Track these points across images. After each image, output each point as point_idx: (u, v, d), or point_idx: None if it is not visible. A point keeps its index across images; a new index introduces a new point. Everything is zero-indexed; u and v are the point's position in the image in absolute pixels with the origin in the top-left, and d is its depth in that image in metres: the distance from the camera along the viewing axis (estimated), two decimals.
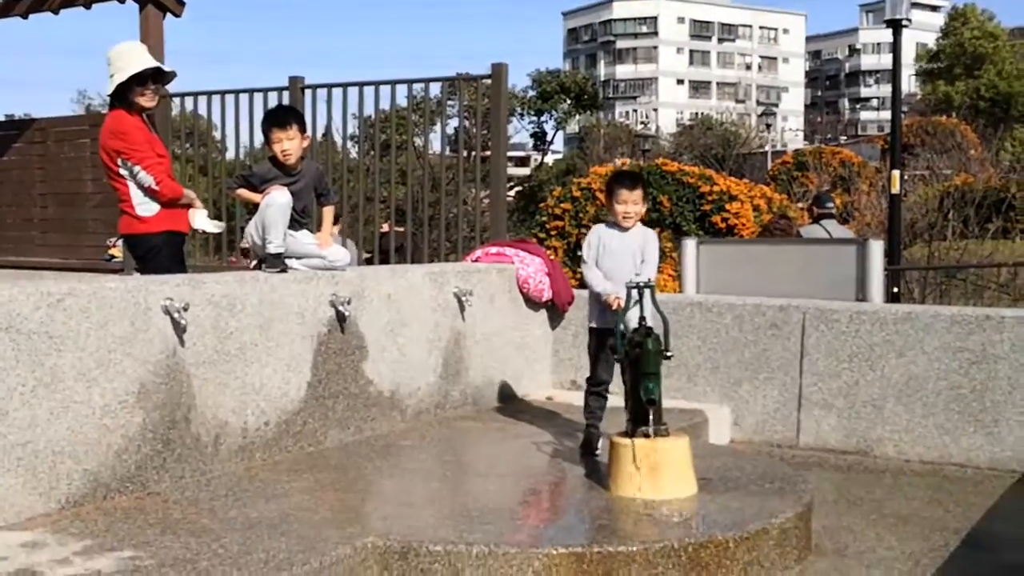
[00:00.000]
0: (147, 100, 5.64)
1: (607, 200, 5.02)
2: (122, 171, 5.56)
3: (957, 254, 15.39)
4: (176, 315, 4.27)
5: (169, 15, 9.03)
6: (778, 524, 3.96)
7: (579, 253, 5.76)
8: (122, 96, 5.55)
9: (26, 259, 10.08)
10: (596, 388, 4.96)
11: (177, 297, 4.30)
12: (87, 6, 9.70)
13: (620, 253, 4.87)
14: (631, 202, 4.88)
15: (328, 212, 5.56)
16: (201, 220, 5.83)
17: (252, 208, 5.28)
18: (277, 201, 5.08)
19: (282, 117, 5.35)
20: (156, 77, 5.68)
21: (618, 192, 4.90)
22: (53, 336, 3.85)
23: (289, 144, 5.20)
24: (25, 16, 10.24)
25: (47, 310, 3.84)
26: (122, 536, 3.64)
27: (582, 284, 9.46)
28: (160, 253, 5.64)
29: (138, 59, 5.58)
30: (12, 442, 3.71)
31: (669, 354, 4.36)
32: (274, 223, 5.07)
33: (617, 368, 4.69)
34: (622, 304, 4.53)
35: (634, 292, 4.44)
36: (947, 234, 16.12)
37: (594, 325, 4.96)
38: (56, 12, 10.02)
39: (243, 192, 5.37)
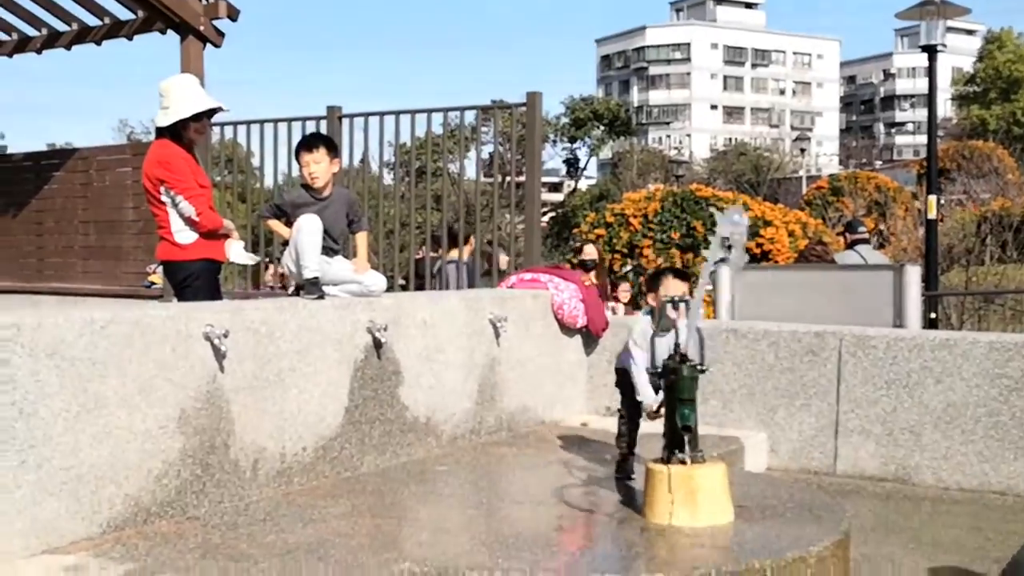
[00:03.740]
0: (200, 135, 5.79)
1: (653, 293, 4.81)
2: (164, 198, 5.66)
3: (995, 279, 15.24)
4: (216, 341, 4.32)
5: (209, 45, 9.17)
6: (816, 552, 3.93)
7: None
8: (173, 128, 5.67)
9: (68, 286, 10.24)
10: (628, 415, 4.96)
11: (217, 324, 4.35)
12: (129, 37, 9.88)
13: (662, 346, 4.77)
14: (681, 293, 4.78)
15: (362, 238, 5.62)
16: (237, 253, 5.92)
17: (286, 239, 5.36)
18: (307, 226, 5.15)
19: (310, 140, 5.45)
20: (209, 112, 5.82)
21: (668, 280, 4.77)
22: (96, 362, 3.92)
23: (316, 167, 5.28)
24: (69, 47, 10.46)
25: (91, 336, 3.90)
26: (163, 561, 3.68)
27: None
28: (198, 280, 5.73)
29: (197, 96, 5.72)
30: (56, 467, 3.77)
31: (704, 367, 4.35)
32: (306, 248, 5.13)
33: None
34: (659, 414, 4.48)
35: (669, 307, 4.42)
36: (985, 259, 15.97)
37: (620, 367, 4.93)
38: (99, 43, 10.22)
39: (273, 224, 5.47)
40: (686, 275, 4.96)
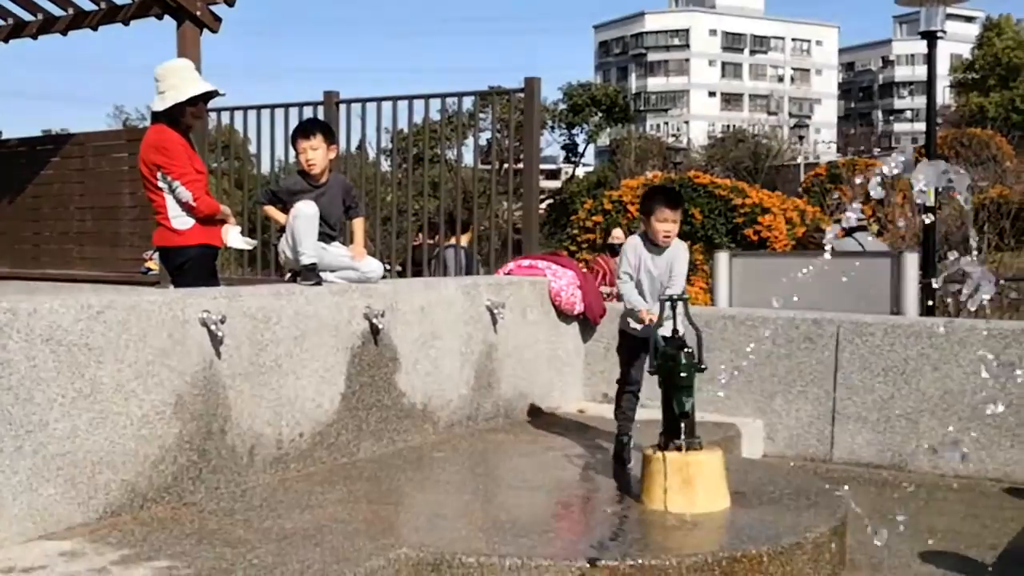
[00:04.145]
0: (196, 119, 5.76)
1: (645, 216, 4.95)
2: (160, 184, 5.64)
3: (993, 267, 15.23)
4: (213, 327, 4.32)
5: (206, 31, 9.13)
6: (812, 538, 3.94)
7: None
8: (170, 112, 5.64)
9: (64, 272, 10.22)
10: (629, 388, 5.00)
11: (214, 310, 4.35)
12: (125, 22, 9.83)
13: (656, 272, 4.87)
14: (672, 220, 4.84)
15: (359, 224, 5.62)
16: (234, 238, 5.90)
17: (283, 225, 5.35)
18: (304, 212, 5.14)
19: (307, 127, 5.44)
20: (206, 96, 5.79)
21: (660, 210, 4.84)
22: (93, 348, 3.91)
23: (313, 154, 5.26)
24: (65, 33, 10.40)
25: (87, 322, 3.90)
26: (159, 546, 3.68)
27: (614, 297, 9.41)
28: (195, 265, 5.71)
29: (193, 80, 5.69)
30: (52, 452, 3.76)
31: (703, 367, 4.36)
32: (303, 234, 5.12)
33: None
34: (655, 319, 4.55)
35: (667, 305, 4.45)
36: (982, 247, 15.96)
37: (626, 329, 4.99)
38: (95, 28, 10.16)
39: (269, 210, 5.47)
40: (679, 200, 4.97)
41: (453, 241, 8.81)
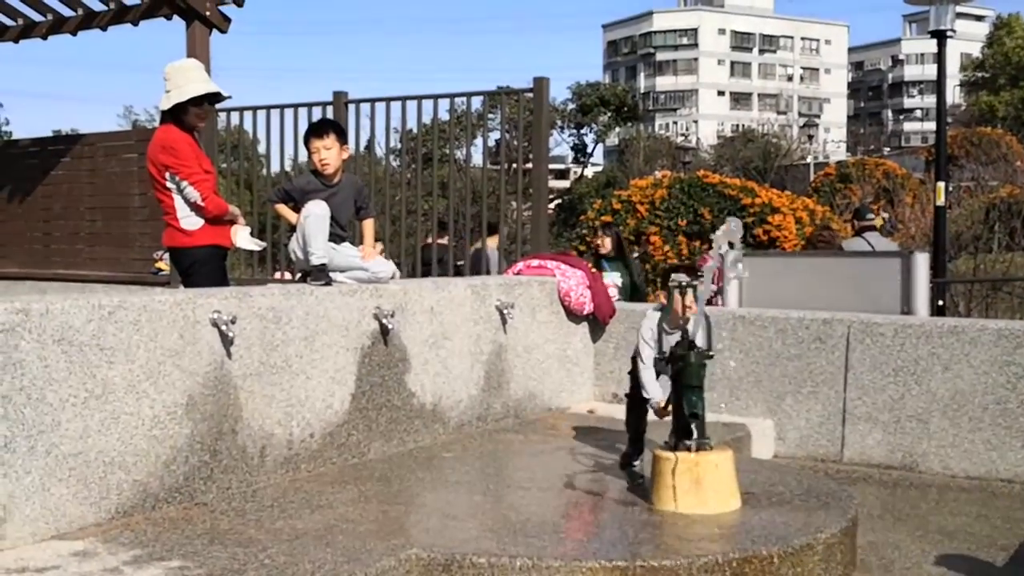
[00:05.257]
0: (200, 120, 5.77)
1: (664, 289, 4.64)
2: (169, 184, 5.66)
3: (1003, 267, 15.17)
4: (224, 328, 4.33)
5: (215, 31, 9.15)
6: (823, 539, 3.93)
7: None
8: (176, 112, 5.65)
9: (74, 272, 10.25)
10: (637, 403, 4.95)
11: (225, 310, 4.35)
12: (135, 23, 9.86)
13: (671, 338, 4.70)
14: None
15: (369, 225, 5.63)
16: (243, 239, 5.91)
17: (294, 224, 5.35)
18: (314, 212, 5.14)
19: (320, 127, 5.44)
20: (211, 98, 5.79)
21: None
22: (104, 348, 3.92)
23: (327, 153, 5.27)
24: (74, 33, 10.44)
25: (99, 322, 3.91)
26: (171, 546, 3.69)
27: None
28: (205, 266, 5.73)
29: (198, 80, 5.70)
30: (65, 452, 3.78)
31: (711, 354, 4.34)
32: (314, 234, 5.13)
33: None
34: (666, 412, 4.48)
35: (676, 292, 4.42)
36: (993, 246, 15.90)
37: (636, 355, 4.94)
38: (104, 29, 10.19)
39: (281, 208, 5.47)
40: (695, 273, 4.89)
41: (491, 243, 8.85)
